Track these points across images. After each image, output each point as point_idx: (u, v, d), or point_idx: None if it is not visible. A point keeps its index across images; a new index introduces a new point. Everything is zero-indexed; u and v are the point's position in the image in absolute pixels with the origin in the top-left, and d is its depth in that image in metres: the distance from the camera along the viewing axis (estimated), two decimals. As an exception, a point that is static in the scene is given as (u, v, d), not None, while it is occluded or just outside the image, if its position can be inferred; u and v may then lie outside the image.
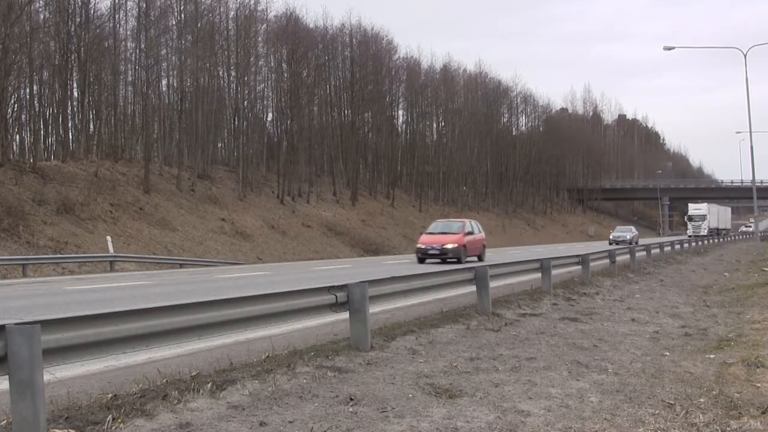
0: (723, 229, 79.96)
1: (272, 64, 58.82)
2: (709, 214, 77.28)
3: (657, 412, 5.51)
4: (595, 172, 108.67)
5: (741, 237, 69.00)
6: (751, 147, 38.20)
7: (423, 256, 24.69)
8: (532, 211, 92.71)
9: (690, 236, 62.47)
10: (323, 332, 8.32)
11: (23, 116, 40.75)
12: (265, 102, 60.23)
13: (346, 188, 61.66)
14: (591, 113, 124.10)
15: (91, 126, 44.97)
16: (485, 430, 4.92)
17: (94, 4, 43.15)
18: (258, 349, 7.11)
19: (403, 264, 24.06)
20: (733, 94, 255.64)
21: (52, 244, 28.54)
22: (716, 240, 58.82)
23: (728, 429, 5.12)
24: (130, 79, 48.08)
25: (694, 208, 78.97)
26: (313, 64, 59.43)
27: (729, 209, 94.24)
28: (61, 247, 28.52)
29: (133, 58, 47.67)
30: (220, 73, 53.62)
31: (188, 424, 4.74)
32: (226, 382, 5.68)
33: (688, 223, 77.49)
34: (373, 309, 8.03)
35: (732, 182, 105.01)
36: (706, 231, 72.80)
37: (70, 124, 44.02)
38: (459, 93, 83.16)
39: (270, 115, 61.75)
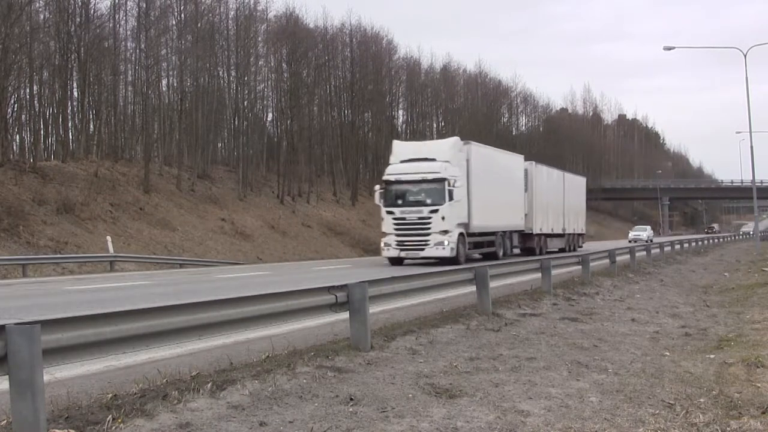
0: (547, 235, 31.77)
1: (272, 64, 58.81)
2: (474, 186, 24.43)
3: (657, 412, 5.51)
4: (595, 172, 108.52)
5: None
6: (751, 147, 38.26)
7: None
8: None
9: (391, 257, 23.45)
10: (323, 332, 8.33)
11: (23, 116, 40.72)
12: (265, 102, 60.22)
13: (346, 188, 61.64)
14: (591, 113, 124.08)
15: (91, 126, 44.93)
16: (485, 430, 4.92)
17: (94, 4, 43.20)
18: (258, 349, 7.11)
19: (403, 263, 24.02)
20: (733, 94, 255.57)
21: (52, 244, 28.53)
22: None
23: (728, 429, 5.12)
24: (130, 79, 48.09)
25: (408, 154, 24.38)
26: (313, 64, 59.39)
27: (582, 181, 40.88)
28: (61, 247, 28.51)
29: (133, 58, 47.67)
30: (220, 73, 53.62)
31: (188, 424, 4.74)
32: (226, 382, 5.68)
33: (387, 220, 23.32)
34: (373, 309, 8.03)
35: (732, 182, 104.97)
36: (451, 247, 22.61)
37: (70, 124, 44.02)
38: (459, 93, 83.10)
39: (270, 115, 61.77)
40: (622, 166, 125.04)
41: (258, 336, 7.77)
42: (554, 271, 14.12)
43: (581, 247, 36.46)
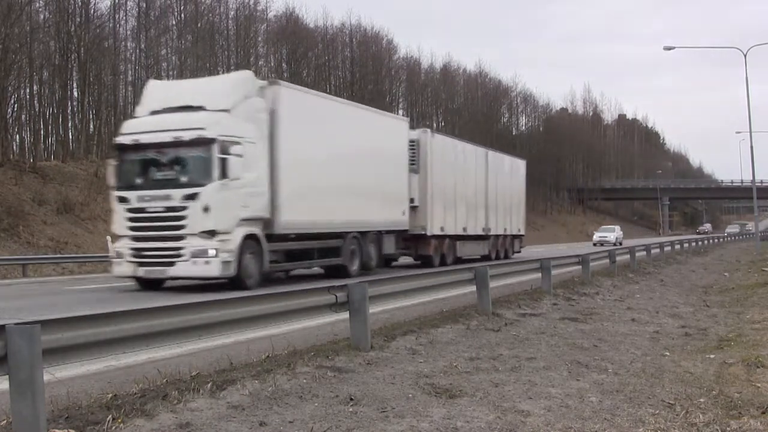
0: (456, 237, 23.43)
1: (272, 64, 58.79)
2: (286, 153, 15.31)
3: (657, 412, 5.51)
4: (595, 172, 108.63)
5: None
6: (751, 147, 38.30)
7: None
8: (532, 211, 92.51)
9: (130, 277, 14.55)
10: (323, 332, 8.32)
11: (23, 116, 40.66)
12: (265, 102, 60.16)
13: (346, 188, 61.59)
14: (591, 113, 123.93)
15: (91, 126, 44.91)
16: (485, 430, 4.92)
17: (94, 4, 43.11)
18: (258, 349, 7.11)
19: (404, 263, 24.01)
20: (733, 94, 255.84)
21: (52, 244, 28.52)
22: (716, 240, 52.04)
23: (728, 429, 5.12)
24: (130, 79, 48.07)
25: (164, 100, 14.88)
26: (313, 64, 59.40)
27: (521, 164, 31.75)
28: (61, 247, 28.50)
29: (133, 58, 47.67)
30: (220, 73, 53.62)
31: (188, 424, 4.73)
32: (226, 382, 5.68)
33: (120, 212, 14.31)
34: (373, 309, 8.03)
35: (732, 182, 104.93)
36: (224, 260, 13.58)
37: (70, 124, 43.98)
38: (459, 93, 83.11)
39: (270, 115, 61.75)
40: (622, 166, 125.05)
41: (258, 336, 7.77)
42: (554, 271, 14.13)
43: (518, 252, 28.12)
